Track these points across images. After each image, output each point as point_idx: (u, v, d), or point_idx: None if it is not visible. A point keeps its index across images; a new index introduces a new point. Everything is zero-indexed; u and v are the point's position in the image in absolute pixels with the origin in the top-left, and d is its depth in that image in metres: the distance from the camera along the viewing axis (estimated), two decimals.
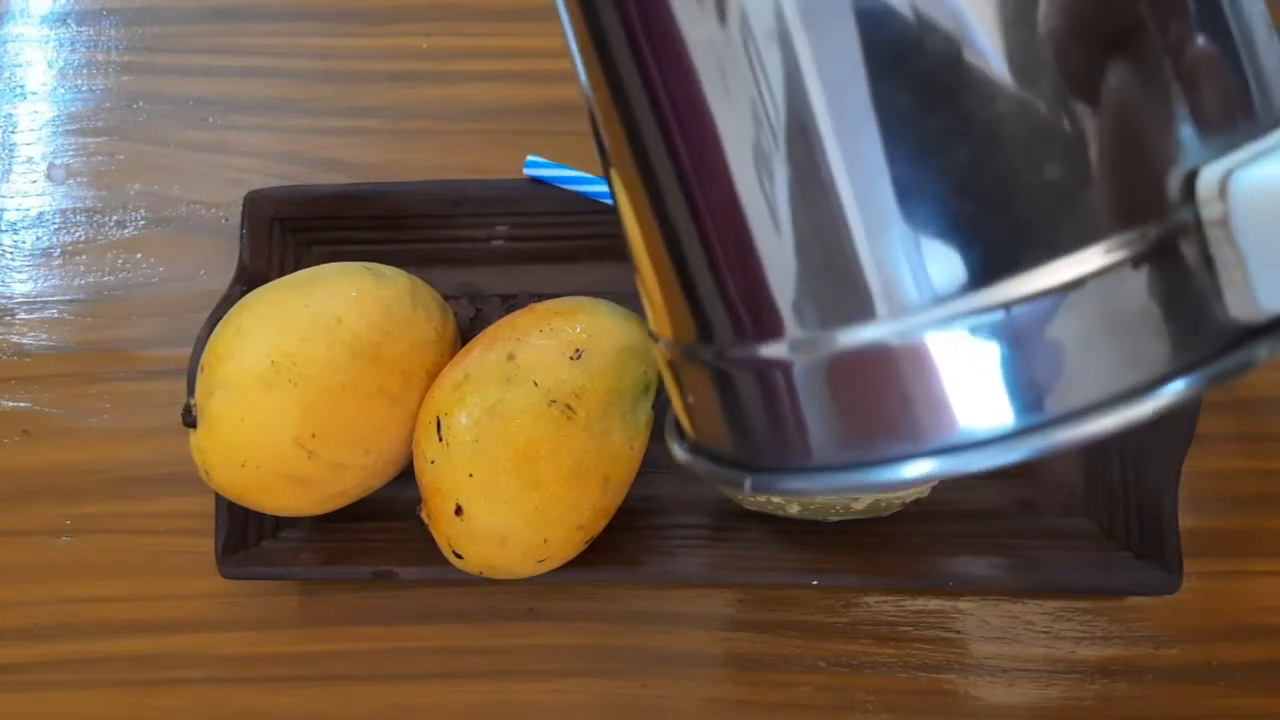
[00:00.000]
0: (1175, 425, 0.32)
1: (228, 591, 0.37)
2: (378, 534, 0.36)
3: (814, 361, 0.16)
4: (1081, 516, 0.36)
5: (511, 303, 0.39)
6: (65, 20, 0.45)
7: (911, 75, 0.14)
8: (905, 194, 0.14)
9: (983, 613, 0.36)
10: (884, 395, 0.15)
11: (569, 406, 0.31)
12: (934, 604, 0.36)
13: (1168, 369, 0.14)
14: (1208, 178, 0.13)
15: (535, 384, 0.31)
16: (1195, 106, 0.14)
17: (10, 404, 0.40)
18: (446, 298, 0.37)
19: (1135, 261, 0.14)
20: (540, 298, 0.36)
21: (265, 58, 0.44)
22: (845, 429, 0.16)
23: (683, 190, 0.16)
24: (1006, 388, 0.14)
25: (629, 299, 0.35)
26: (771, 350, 0.16)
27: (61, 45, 0.45)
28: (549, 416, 0.31)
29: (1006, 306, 0.14)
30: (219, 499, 0.35)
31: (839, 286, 0.15)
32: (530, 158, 0.37)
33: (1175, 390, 0.14)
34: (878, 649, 0.36)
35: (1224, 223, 0.13)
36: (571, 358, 0.32)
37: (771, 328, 0.16)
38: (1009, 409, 0.14)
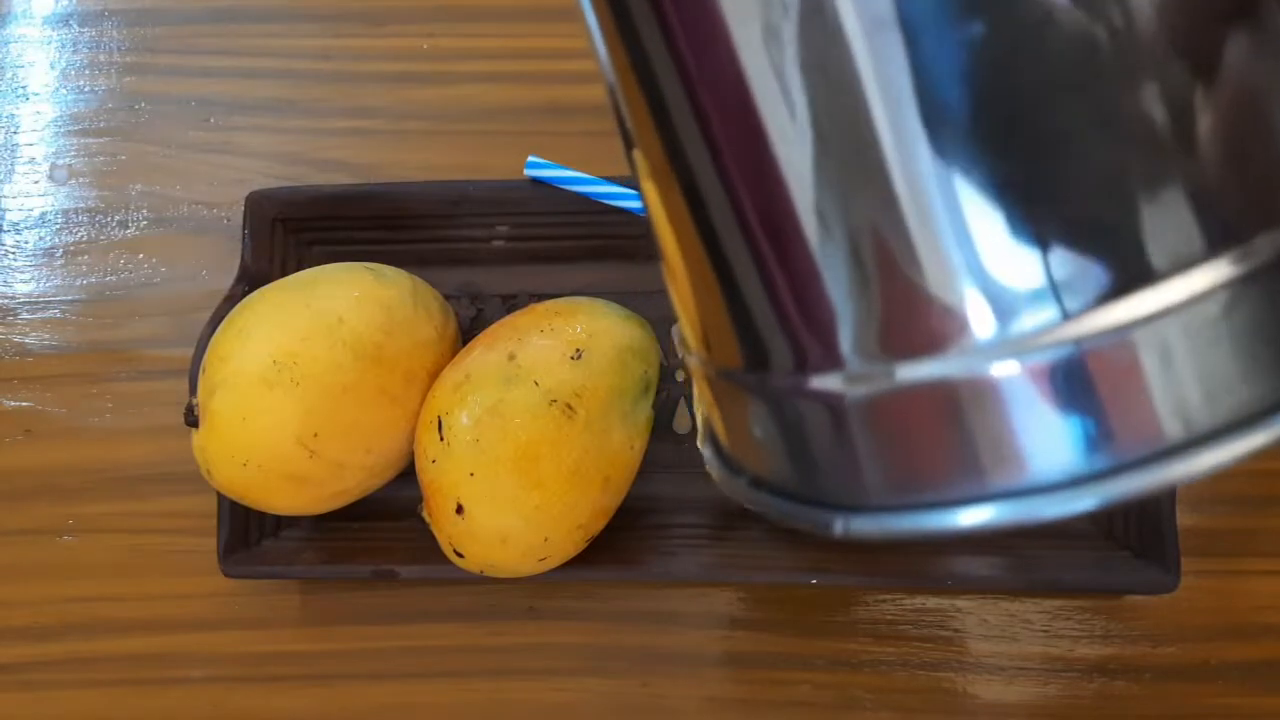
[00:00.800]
0: None
1: (229, 590, 0.37)
2: (379, 533, 0.36)
3: (877, 394, 0.14)
4: (1080, 516, 0.36)
5: (512, 303, 0.39)
6: (67, 21, 0.45)
7: (980, 81, 0.12)
8: (976, 220, 0.13)
9: (982, 611, 0.36)
10: (950, 435, 0.14)
11: (569, 406, 0.31)
12: (933, 603, 0.36)
13: (1263, 405, 0.12)
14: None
15: (536, 384, 0.31)
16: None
17: (12, 403, 0.41)
18: (447, 298, 0.37)
19: (1246, 279, 0.12)
20: (540, 298, 0.36)
21: (267, 58, 0.44)
22: (905, 469, 0.15)
23: (736, 211, 0.15)
24: (1080, 430, 0.13)
25: (629, 299, 0.35)
26: (831, 383, 0.15)
27: (63, 46, 0.45)
28: (549, 416, 0.31)
29: (1084, 341, 0.13)
30: (220, 498, 0.35)
31: (906, 317, 0.14)
32: (530, 158, 0.37)
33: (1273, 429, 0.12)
34: (877, 647, 0.36)
35: None
36: (572, 358, 0.32)
37: (832, 358, 0.14)
38: (1082, 452, 0.13)
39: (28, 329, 0.41)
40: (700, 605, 0.37)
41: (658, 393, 0.35)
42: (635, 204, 0.35)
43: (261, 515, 0.36)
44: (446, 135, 0.42)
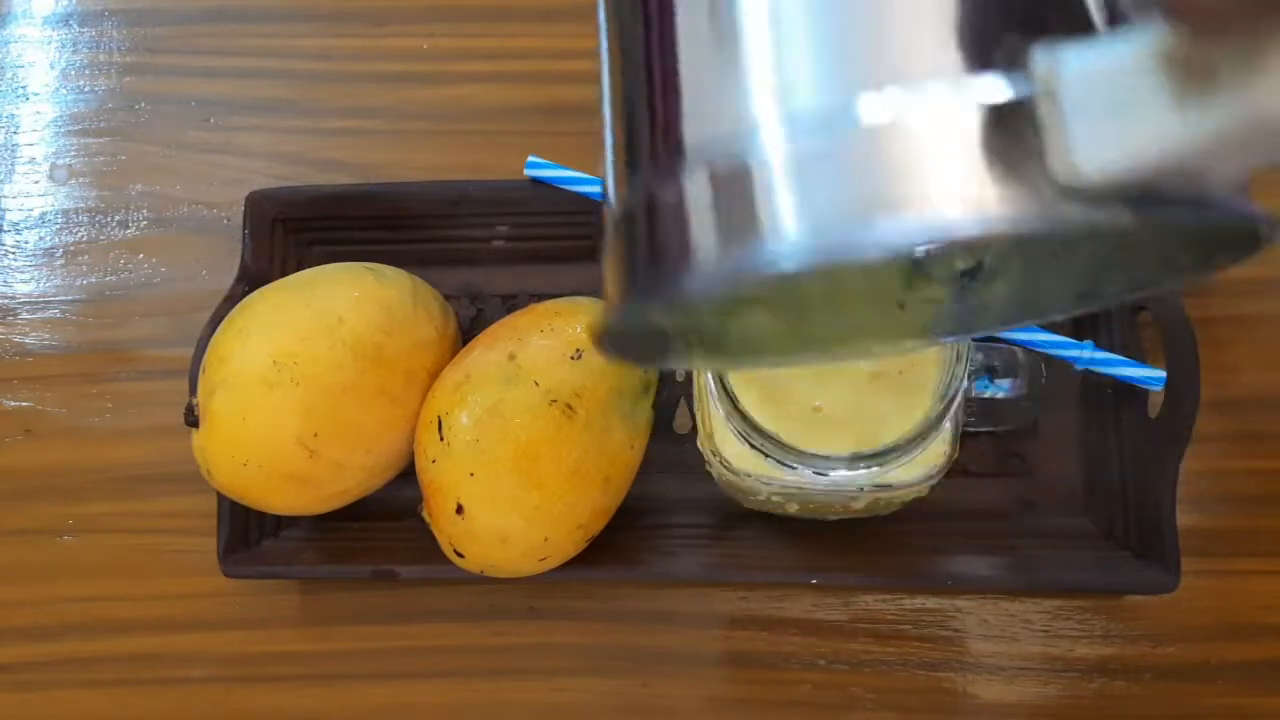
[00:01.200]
0: (1173, 424, 0.32)
1: (229, 590, 0.37)
2: (379, 533, 0.36)
3: (699, 174, 0.17)
4: (1080, 516, 0.36)
5: (512, 303, 0.39)
6: (67, 21, 0.45)
7: None
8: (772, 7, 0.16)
9: (982, 611, 0.36)
10: (747, 203, 0.16)
11: (569, 406, 0.31)
12: (933, 603, 0.36)
13: (992, 210, 0.14)
14: (1042, 56, 0.14)
15: (536, 384, 0.31)
16: None
17: (13, 403, 0.41)
18: (447, 298, 0.37)
19: (974, 101, 0.14)
20: (540, 298, 0.36)
21: (266, 58, 0.44)
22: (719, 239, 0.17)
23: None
24: (865, 189, 0.15)
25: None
26: (666, 171, 0.17)
27: (64, 46, 0.45)
28: (549, 416, 0.31)
29: (865, 118, 0.15)
30: (221, 498, 0.35)
31: (721, 100, 0.16)
32: (530, 158, 0.37)
33: (996, 220, 0.14)
34: (877, 647, 0.36)
35: (1051, 94, 0.14)
36: (572, 358, 0.32)
37: (673, 139, 0.17)
38: (835, 214, 0.15)
39: (28, 329, 0.41)
40: (700, 605, 0.37)
41: (658, 393, 0.35)
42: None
43: (261, 515, 0.36)
44: (446, 135, 0.42)
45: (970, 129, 0.14)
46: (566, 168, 0.37)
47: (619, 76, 0.19)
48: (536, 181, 0.37)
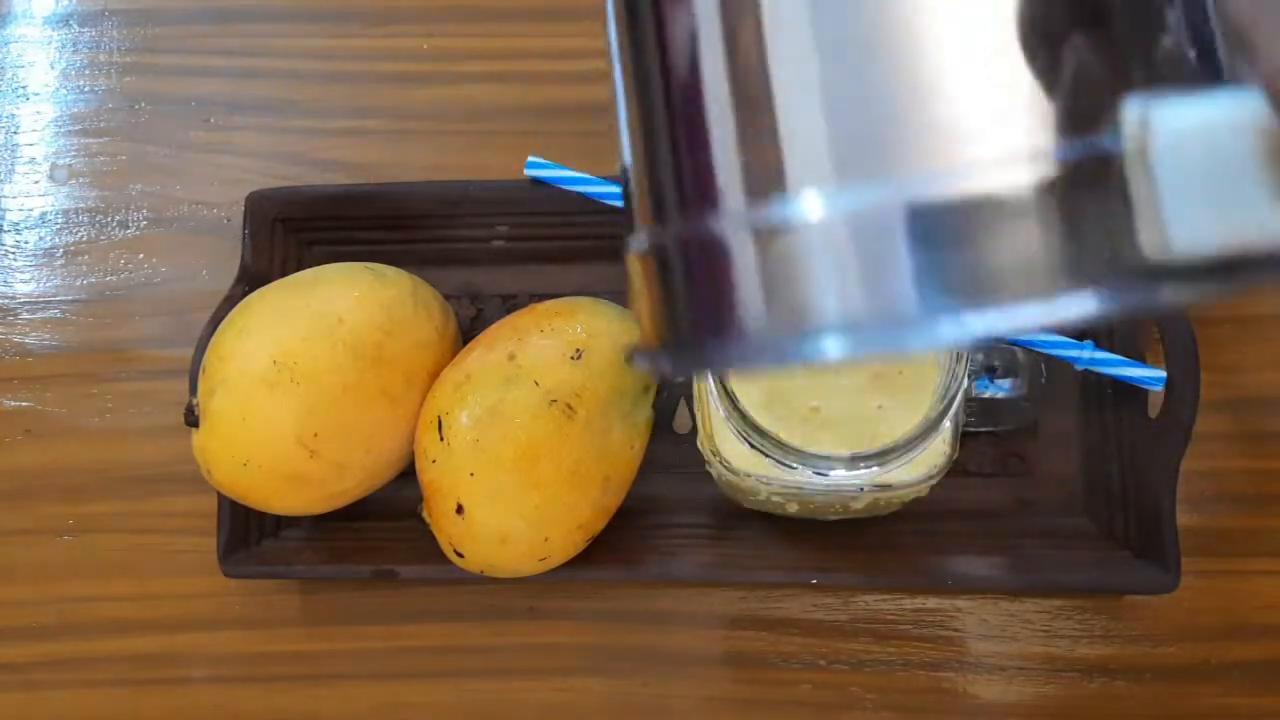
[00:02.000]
0: (1173, 424, 0.32)
1: (229, 590, 0.37)
2: (379, 533, 0.36)
3: (738, 236, 0.16)
4: (1080, 516, 0.36)
5: (512, 303, 0.39)
6: (67, 21, 0.45)
7: None
8: (827, 73, 0.15)
9: (982, 611, 0.36)
10: (806, 272, 0.15)
11: (569, 406, 0.31)
12: (933, 603, 0.36)
13: (1072, 286, 0.14)
14: (1133, 107, 0.13)
15: (536, 384, 0.31)
16: (1132, 35, 0.14)
17: (13, 403, 0.41)
18: (447, 298, 0.37)
19: (1052, 176, 0.14)
20: (540, 298, 0.36)
21: (266, 58, 0.44)
22: (773, 304, 0.16)
23: (639, 50, 0.17)
24: (930, 275, 0.14)
25: (627, 299, 0.35)
26: (706, 224, 0.16)
27: (64, 46, 0.45)
28: (549, 416, 0.31)
29: (925, 199, 0.14)
30: (221, 498, 0.35)
31: (761, 160, 0.15)
32: (530, 158, 0.37)
33: (1078, 305, 0.13)
34: (877, 647, 0.36)
35: (1143, 154, 0.13)
36: (572, 358, 0.32)
37: (707, 198, 0.16)
38: (926, 295, 0.14)
39: (28, 329, 0.41)
40: (701, 605, 0.37)
41: (658, 393, 0.35)
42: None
43: (261, 515, 0.36)
44: (446, 135, 0.42)
45: (1052, 200, 0.14)
46: (566, 168, 0.37)
47: (647, 103, 0.18)
48: (536, 181, 0.37)
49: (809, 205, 0.15)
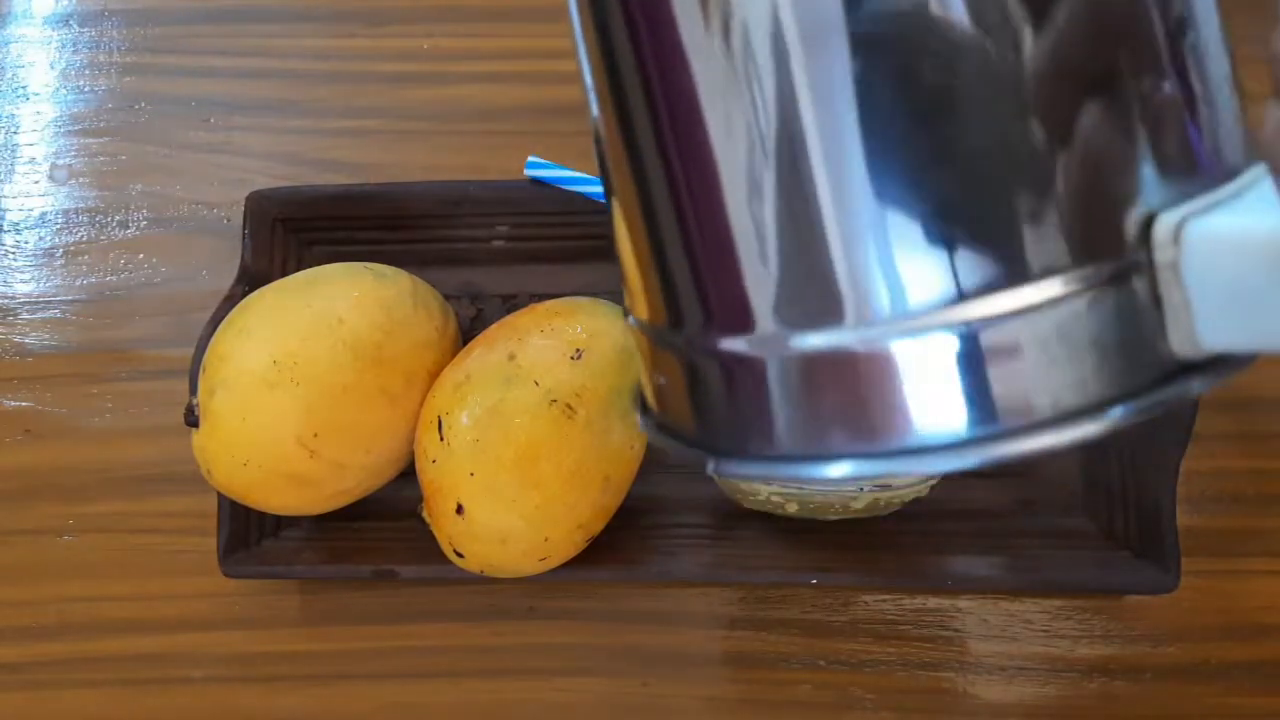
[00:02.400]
0: (1173, 424, 0.32)
1: (229, 591, 0.37)
2: (379, 533, 0.36)
3: (780, 359, 0.16)
4: (1080, 516, 0.36)
5: (512, 303, 0.39)
6: (67, 21, 0.45)
7: (897, 100, 0.15)
8: (883, 210, 0.15)
9: (982, 611, 0.36)
10: (844, 396, 0.16)
11: (569, 406, 0.31)
12: (933, 603, 0.36)
13: (1112, 395, 0.15)
14: (1164, 223, 0.14)
15: (536, 384, 0.31)
16: (1158, 155, 0.15)
17: (13, 403, 0.41)
18: (447, 298, 0.37)
19: (1091, 294, 0.14)
20: (540, 298, 0.36)
21: (266, 58, 0.44)
22: (806, 424, 0.17)
23: (670, 182, 0.17)
24: (960, 400, 0.15)
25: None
26: (738, 344, 0.17)
27: (64, 46, 0.45)
28: (549, 416, 0.31)
29: (968, 324, 0.15)
30: (221, 498, 0.35)
31: (811, 290, 0.16)
32: (530, 158, 0.37)
33: (1116, 416, 0.14)
34: (877, 647, 0.36)
35: (1174, 266, 0.14)
36: (572, 358, 0.32)
37: (741, 323, 0.17)
38: (961, 420, 0.15)
39: (28, 329, 0.41)
40: (700, 605, 0.37)
41: None
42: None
43: (261, 515, 0.36)
44: (446, 135, 0.42)
45: (1089, 316, 0.14)
46: (566, 168, 0.37)
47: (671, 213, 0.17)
48: (536, 181, 0.37)
49: (868, 333, 0.15)
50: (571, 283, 0.38)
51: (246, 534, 0.36)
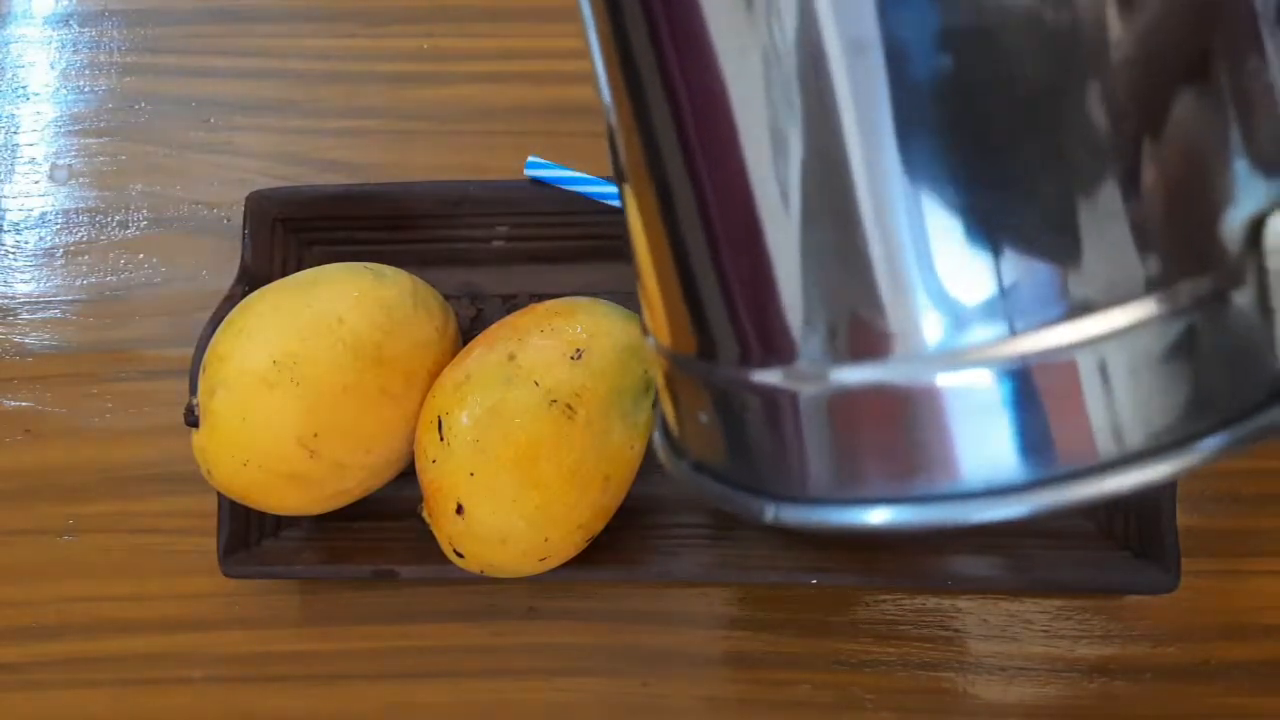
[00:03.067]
0: None
1: (229, 590, 0.37)
2: (379, 533, 0.36)
3: (818, 393, 0.15)
4: (1080, 515, 0.36)
5: (512, 303, 0.39)
6: (67, 21, 0.45)
7: (951, 109, 0.13)
8: (935, 236, 0.13)
9: (982, 611, 0.36)
10: (887, 436, 0.15)
11: (569, 406, 0.31)
12: (933, 603, 0.36)
13: (1203, 426, 0.13)
14: (1276, 226, 0.13)
15: (536, 384, 0.31)
16: (1258, 151, 0.13)
17: (13, 403, 0.41)
18: (447, 298, 0.37)
19: (1179, 314, 0.13)
20: (540, 298, 0.36)
21: (267, 59, 0.44)
22: (841, 465, 0.15)
23: (701, 208, 0.16)
24: (1015, 441, 0.14)
25: (629, 299, 0.35)
26: (774, 378, 0.15)
27: (64, 46, 0.45)
28: (550, 416, 0.31)
29: (1025, 359, 0.13)
30: (221, 498, 0.35)
31: (855, 322, 0.14)
32: (531, 158, 0.37)
33: (1212, 447, 0.13)
34: (877, 647, 0.36)
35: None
36: (572, 358, 0.32)
37: (778, 355, 0.15)
38: (1016, 462, 0.14)
39: (28, 329, 0.41)
40: (701, 605, 0.37)
41: (657, 393, 0.35)
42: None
43: (261, 515, 0.36)
44: (446, 135, 0.42)
45: (1182, 340, 0.13)
46: (566, 168, 0.37)
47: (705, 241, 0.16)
48: (536, 181, 0.37)
49: (933, 369, 0.14)
50: (571, 283, 0.38)
51: (246, 534, 0.36)
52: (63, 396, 0.40)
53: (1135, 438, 0.13)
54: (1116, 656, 0.35)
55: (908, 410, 0.14)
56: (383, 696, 0.37)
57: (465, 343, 0.35)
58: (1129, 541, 0.34)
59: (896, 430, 0.14)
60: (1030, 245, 0.13)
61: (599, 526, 0.33)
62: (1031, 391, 0.13)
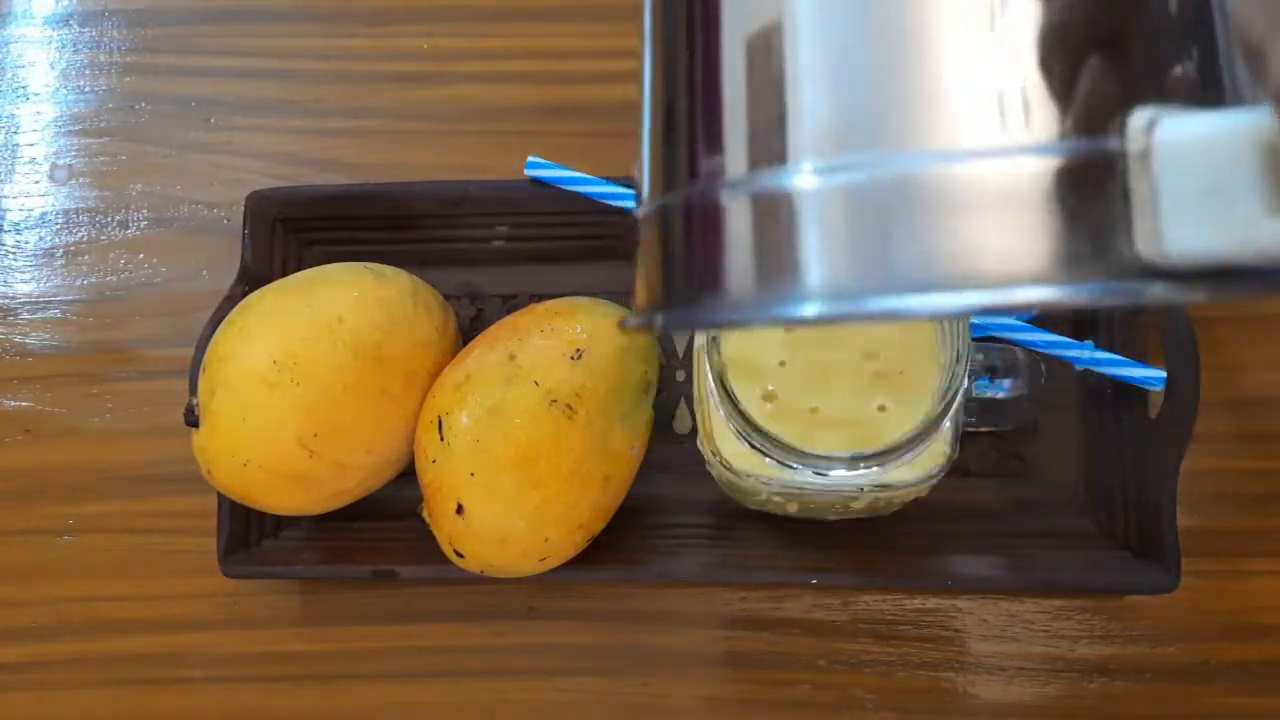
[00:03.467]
0: (1174, 424, 0.32)
1: (229, 591, 0.37)
2: (379, 533, 0.36)
3: (739, 198, 0.16)
4: (1080, 516, 0.36)
5: (512, 303, 0.39)
6: (68, 21, 0.45)
7: None
8: (851, 52, 0.15)
9: (982, 611, 0.36)
10: (787, 238, 0.16)
11: (569, 406, 0.31)
12: (933, 603, 0.36)
13: (1062, 273, 0.14)
14: (1141, 114, 0.14)
15: (536, 384, 0.31)
16: (1164, 59, 0.15)
17: (13, 403, 0.41)
18: (447, 298, 0.37)
19: (1062, 165, 0.14)
20: (540, 298, 0.36)
21: (267, 58, 0.44)
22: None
23: (690, 55, 0.18)
24: (895, 250, 0.15)
25: (629, 299, 0.35)
26: (710, 187, 0.17)
27: (64, 46, 0.45)
28: (550, 416, 0.31)
29: (913, 176, 0.15)
30: (221, 498, 0.35)
31: (764, 134, 0.16)
32: (531, 158, 0.37)
33: (1059, 291, 0.14)
34: (877, 647, 0.36)
35: (1144, 157, 0.14)
36: (572, 358, 0.32)
37: (714, 166, 0.17)
38: (885, 272, 0.15)
39: (28, 329, 0.41)
40: (701, 605, 0.37)
41: (658, 393, 0.35)
42: (634, 204, 0.36)
43: (261, 515, 0.36)
44: (446, 135, 0.42)
45: (1052, 188, 0.14)
46: (566, 168, 0.37)
47: (669, 79, 0.18)
48: (536, 181, 0.37)
49: (808, 175, 0.15)
50: (571, 283, 0.38)
51: (246, 534, 0.36)
52: (63, 396, 0.40)
53: (1002, 266, 0.14)
54: (1116, 656, 0.35)
55: (805, 214, 0.15)
56: (383, 696, 0.37)
57: (465, 343, 0.35)
58: (1129, 541, 0.34)
59: (793, 234, 0.16)
60: (933, 81, 0.15)
61: (599, 526, 0.33)
62: (922, 203, 0.15)
